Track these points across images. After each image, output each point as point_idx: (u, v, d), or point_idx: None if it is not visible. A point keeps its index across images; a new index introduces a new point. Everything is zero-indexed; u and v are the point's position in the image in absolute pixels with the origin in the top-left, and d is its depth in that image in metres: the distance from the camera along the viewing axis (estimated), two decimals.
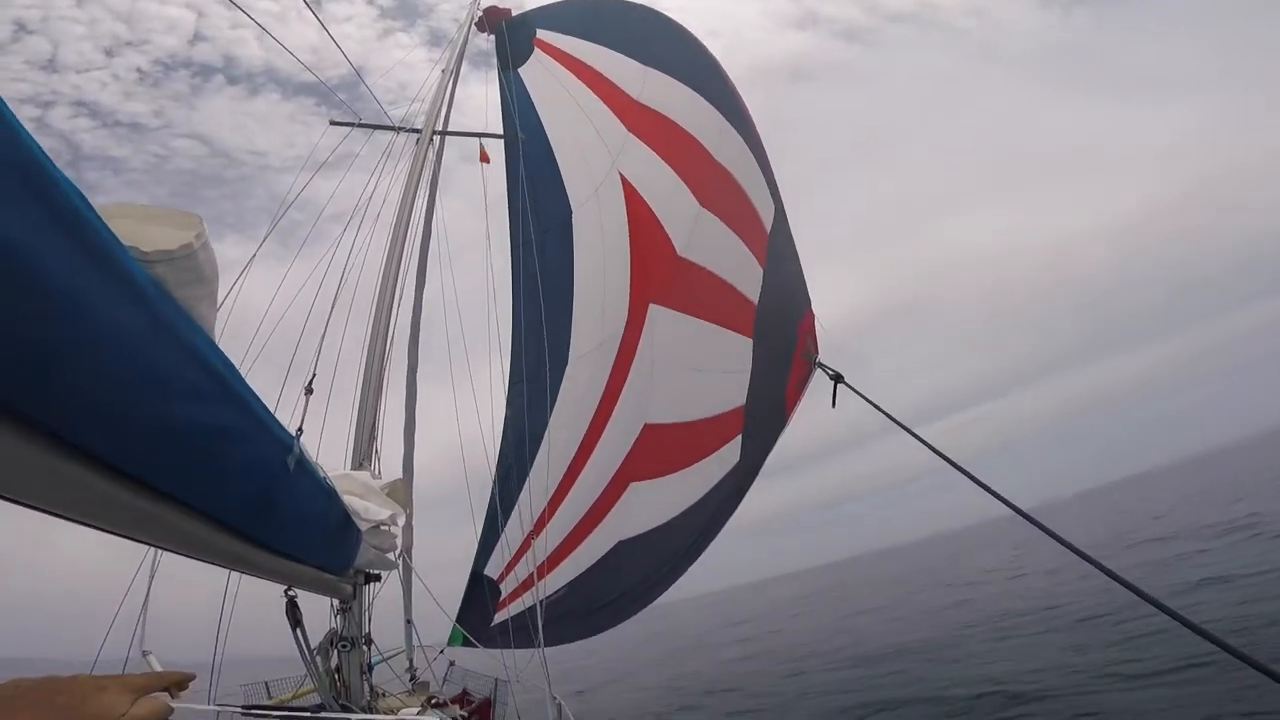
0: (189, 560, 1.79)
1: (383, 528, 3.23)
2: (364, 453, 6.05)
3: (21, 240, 0.82)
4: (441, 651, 8.64)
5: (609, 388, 9.41)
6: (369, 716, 3.87)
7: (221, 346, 1.38)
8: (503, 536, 8.97)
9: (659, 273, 9.37)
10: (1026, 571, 27.02)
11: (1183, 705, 8.33)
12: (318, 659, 4.04)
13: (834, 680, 15.53)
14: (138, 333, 1.08)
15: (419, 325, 9.10)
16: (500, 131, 10.36)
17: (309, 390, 5.43)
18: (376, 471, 6.08)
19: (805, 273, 9.94)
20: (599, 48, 10.23)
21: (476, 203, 10.11)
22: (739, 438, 9.50)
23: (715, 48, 10.46)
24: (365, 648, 4.68)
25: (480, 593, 9.20)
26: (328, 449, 6.29)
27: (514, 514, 8.88)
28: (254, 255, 7.23)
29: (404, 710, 4.83)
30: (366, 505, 3.05)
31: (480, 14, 10.94)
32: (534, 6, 11.36)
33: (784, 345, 9.18)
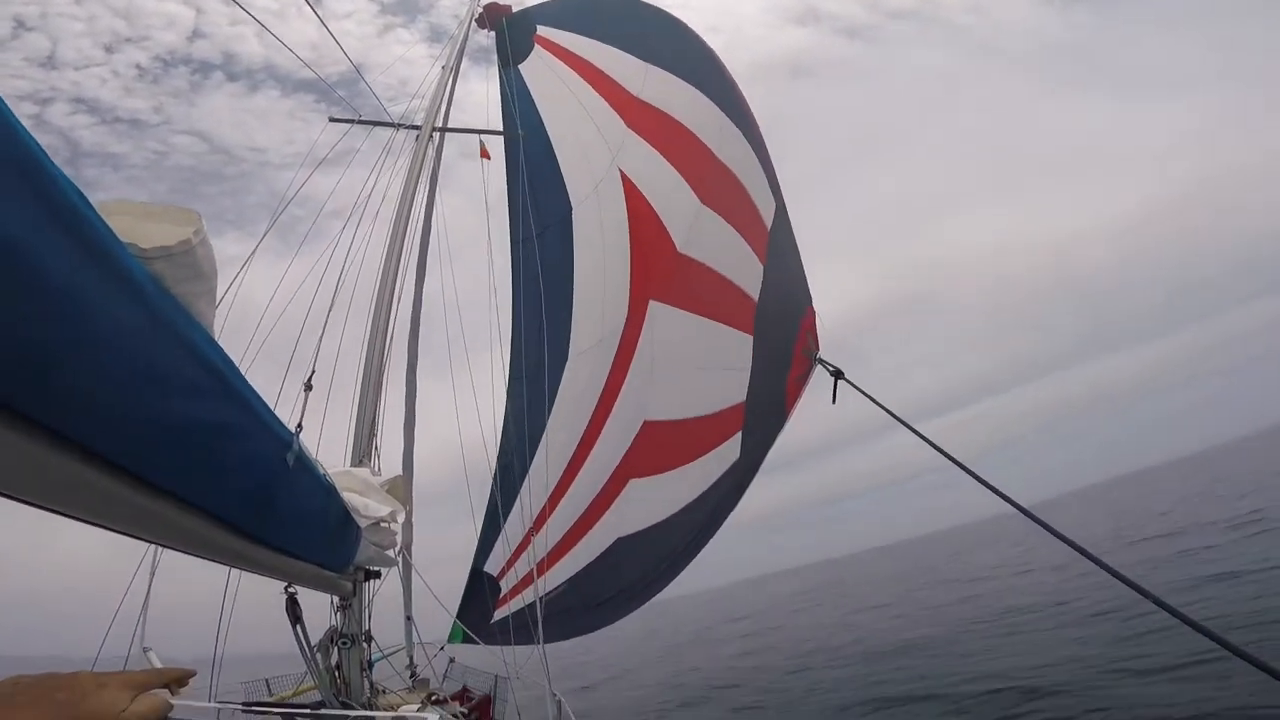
0: (189, 557, 1.79)
1: (382, 524, 3.23)
2: (364, 449, 6.05)
3: (19, 237, 0.82)
4: (441, 648, 8.64)
5: (609, 384, 9.40)
6: (369, 713, 3.88)
7: (221, 343, 1.38)
8: (503, 533, 8.98)
9: (659, 269, 9.37)
10: (1032, 568, 26.93)
11: (1197, 700, 8.31)
12: (318, 656, 4.04)
13: (840, 676, 15.51)
14: (136, 329, 1.08)
15: (419, 322, 9.09)
16: (500, 128, 10.36)
17: (308, 387, 5.43)
18: (376, 468, 6.07)
19: (806, 269, 9.93)
20: (599, 44, 10.21)
21: (476, 199, 10.11)
22: (739, 434, 9.49)
23: (716, 44, 10.44)
24: (365, 645, 4.69)
25: (480, 589, 9.21)
26: (327, 446, 6.29)
27: (514, 511, 8.88)
28: (254, 251, 7.24)
29: (404, 707, 4.83)
30: (366, 502, 3.05)
31: (480, 10, 10.93)
32: (534, 3, 11.34)
33: (784, 342, 9.16)
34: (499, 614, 9.03)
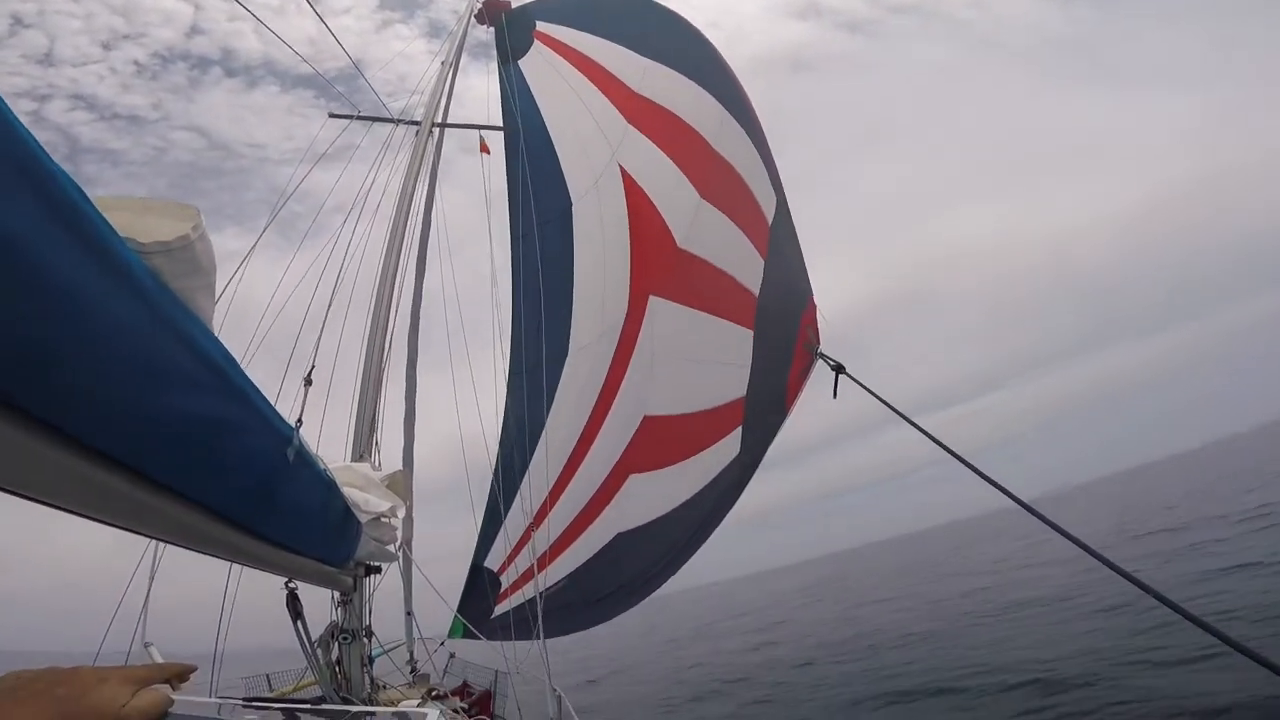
0: (190, 553, 1.80)
1: (383, 520, 3.23)
2: (364, 444, 6.05)
3: (17, 232, 0.82)
4: (442, 643, 8.66)
5: (609, 379, 9.41)
6: (370, 708, 3.88)
7: (220, 338, 1.38)
8: (503, 528, 8.99)
9: (659, 264, 9.36)
10: (1036, 563, 26.84)
11: (1211, 692, 8.33)
12: (318, 651, 4.04)
13: (849, 670, 15.48)
14: (135, 324, 1.08)
15: (419, 316, 9.10)
16: (500, 123, 10.35)
17: (308, 382, 5.44)
18: (377, 463, 6.08)
19: (807, 264, 9.92)
20: (599, 40, 10.19)
21: (476, 194, 10.11)
22: (739, 429, 9.50)
23: (716, 39, 10.42)
24: (366, 640, 4.68)
25: (480, 585, 9.22)
26: (328, 441, 6.30)
27: (514, 506, 8.89)
28: (253, 246, 7.24)
29: (404, 702, 4.84)
30: (366, 497, 3.05)
31: (480, 6, 10.91)
32: None
33: (785, 336, 9.16)
34: (499, 609, 9.05)
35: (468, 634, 8.46)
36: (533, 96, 10.32)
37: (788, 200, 9.78)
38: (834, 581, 56.16)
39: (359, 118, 9.66)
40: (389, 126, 9.54)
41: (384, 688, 5.45)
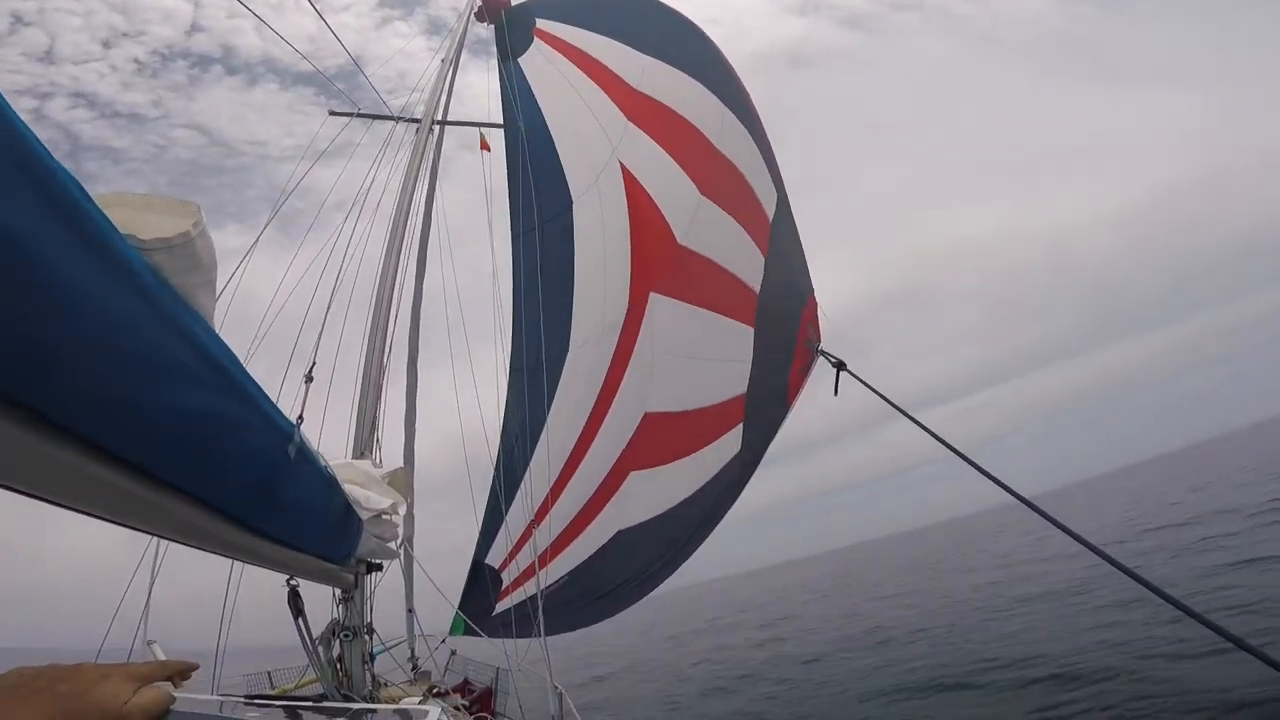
0: (193, 550, 1.80)
1: (384, 517, 3.23)
2: (365, 441, 6.06)
3: (19, 230, 0.82)
4: (443, 641, 8.67)
5: (609, 376, 9.40)
6: (371, 706, 3.88)
7: (221, 335, 1.38)
8: (504, 525, 9.00)
9: (659, 262, 9.35)
10: (1041, 558, 26.73)
11: (1228, 688, 8.32)
12: (320, 649, 4.05)
13: (860, 666, 15.43)
14: (136, 321, 1.08)
15: (419, 314, 9.10)
16: (500, 121, 10.35)
17: (309, 379, 5.44)
18: (378, 460, 6.08)
19: (808, 260, 9.92)
20: (599, 37, 10.18)
21: (477, 191, 10.11)
22: (740, 427, 9.50)
23: (715, 35, 10.41)
24: (367, 637, 4.69)
25: (482, 582, 9.22)
26: (329, 438, 6.31)
27: (515, 503, 8.90)
28: (254, 243, 7.24)
29: (405, 699, 4.84)
30: (367, 494, 3.05)
31: (479, 4, 10.90)
32: None
33: (786, 333, 9.16)
34: (501, 606, 9.05)
35: (469, 631, 8.46)
36: (533, 94, 10.31)
37: (789, 198, 9.78)
38: (837, 578, 56.11)
39: (359, 115, 9.66)
40: (389, 124, 9.54)
41: (385, 685, 5.45)
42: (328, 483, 2.47)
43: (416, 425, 8.72)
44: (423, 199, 9.01)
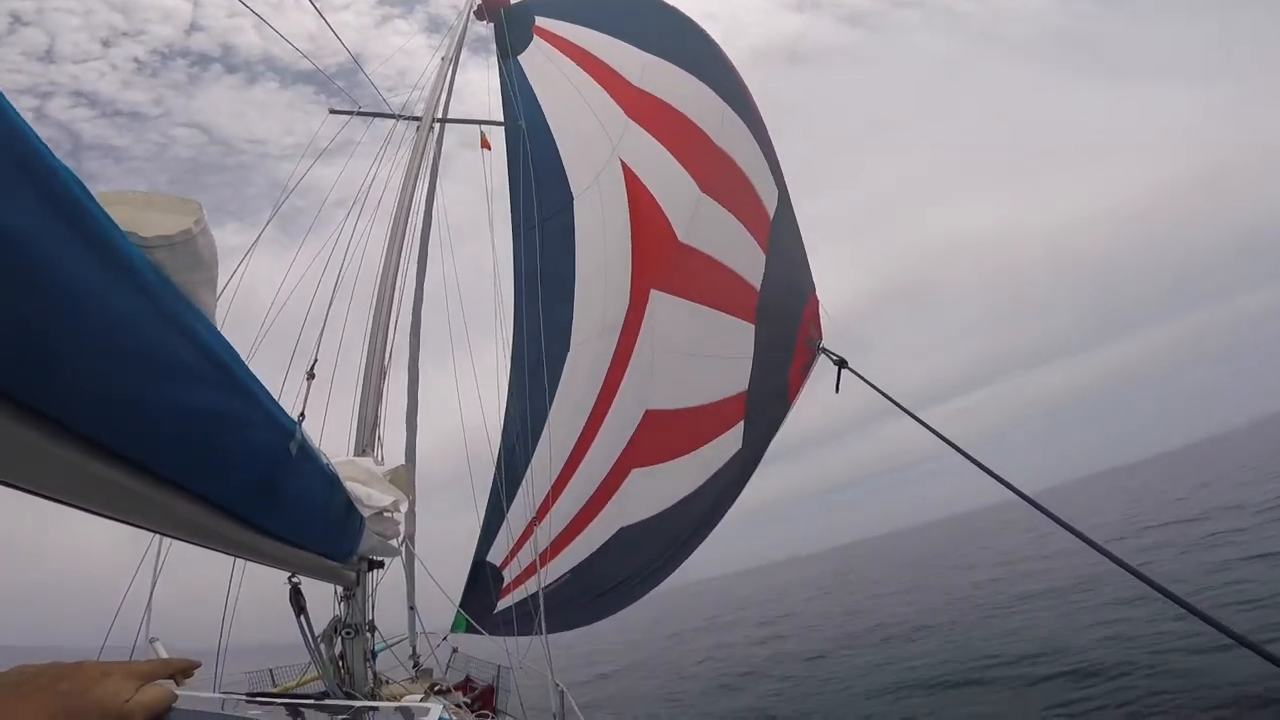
0: (195, 548, 1.80)
1: (386, 514, 3.23)
2: (366, 439, 6.06)
3: (20, 228, 0.82)
4: (445, 638, 8.68)
5: (610, 374, 9.40)
6: (372, 703, 3.89)
7: (223, 333, 1.38)
8: (505, 523, 9.00)
9: (660, 259, 9.35)
10: (1046, 554, 26.55)
11: (1240, 681, 8.32)
12: (322, 646, 4.06)
13: (868, 661, 15.39)
14: (138, 318, 1.08)
15: (420, 312, 9.11)
16: (500, 118, 10.34)
17: (310, 376, 5.44)
18: (379, 458, 6.08)
19: (810, 257, 9.91)
20: (598, 34, 10.18)
21: (477, 188, 10.11)
22: (740, 424, 9.50)
23: (713, 31, 10.40)
24: (369, 635, 4.70)
25: (483, 579, 9.23)
26: (330, 435, 6.31)
27: (516, 501, 8.90)
28: (255, 241, 7.24)
29: (407, 697, 4.84)
30: (369, 491, 3.05)
31: (479, 2, 10.89)
32: None
33: (786, 331, 9.16)
34: (502, 604, 9.05)
35: (470, 629, 8.46)
36: (533, 92, 10.30)
37: (790, 195, 9.77)
38: (838, 575, 56.01)
39: (360, 113, 9.66)
40: (389, 122, 9.53)
41: (387, 683, 5.46)
42: (329, 480, 2.47)
43: (418, 423, 8.72)
44: (423, 197, 9.02)
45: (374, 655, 4.99)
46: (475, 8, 10.84)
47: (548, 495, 8.72)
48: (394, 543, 3.57)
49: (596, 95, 9.86)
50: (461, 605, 8.73)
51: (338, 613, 4.46)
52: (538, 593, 6.67)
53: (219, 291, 1.43)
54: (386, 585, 5.69)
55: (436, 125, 9.23)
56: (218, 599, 4.90)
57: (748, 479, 9.92)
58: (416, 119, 9.06)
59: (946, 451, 4.25)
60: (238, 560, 3.25)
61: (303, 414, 5.26)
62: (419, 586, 8.36)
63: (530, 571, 8.40)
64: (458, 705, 5.94)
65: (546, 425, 8.89)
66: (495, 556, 9.28)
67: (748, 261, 9.32)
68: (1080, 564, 19.38)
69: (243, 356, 1.46)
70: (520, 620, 7.86)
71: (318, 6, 7.12)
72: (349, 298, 6.97)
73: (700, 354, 9.31)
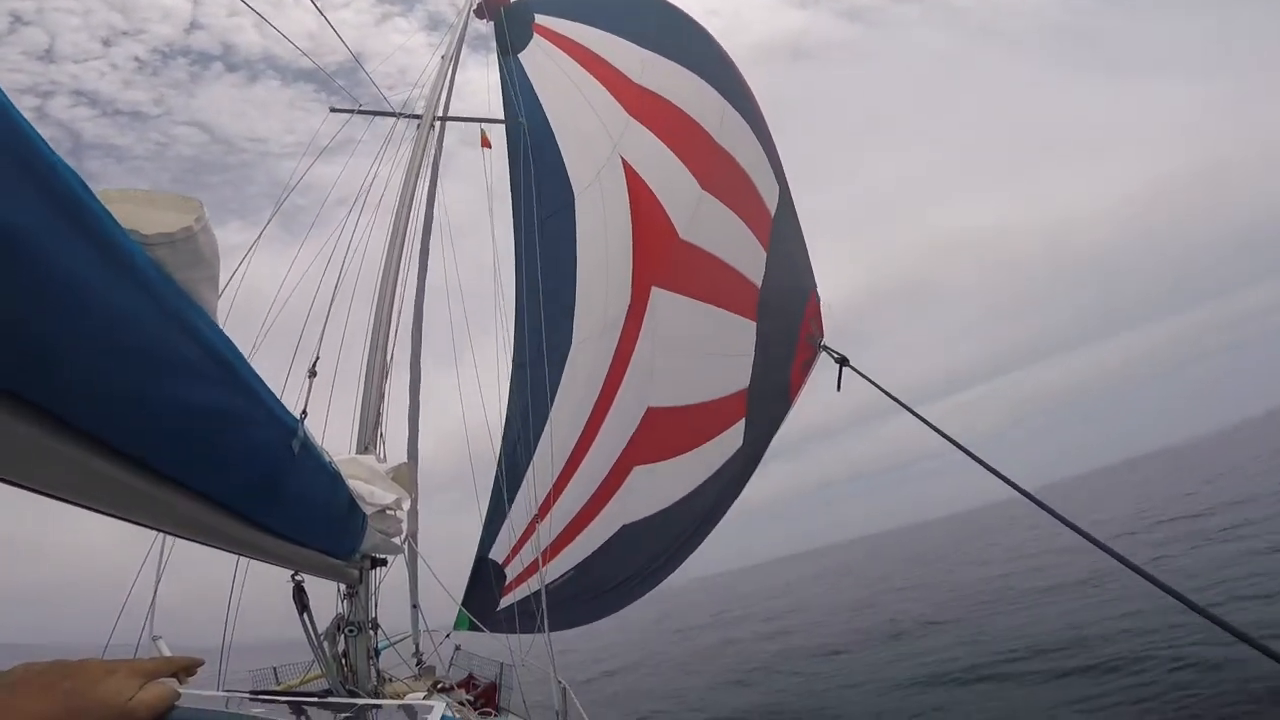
0: (198, 546, 1.80)
1: (388, 512, 3.23)
2: (369, 436, 6.06)
3: (21, 225, 0.82)
4: (447, 636, 8.69)
5: (612, 371, 9.41)
6: (375, 701, 3.89)
7: (225, 330, 1.38)
8: (508, 520, 9.01)
9: (661, 256, 9.35)
10: (1052, 550, 26.15)
11: (1260, 677, 8.23)
12: (325, 644, 4.06)
13: (875, 659, 15.33)
14: (139, 315, 1.08)
15: (422, 310, 9.12)
16: (500, 115, 10.34)
17: (313, 373, 5.44)
18: (382, 455, 6.09)
19: (812, 255, 9.90)
20: (598, 32, 10.17)
21: (478, 186, 10.12)
22: (742, 422, 9.49)
23: (714, 27, 10.40)
24: (372, 632, 4.70)
25: (485, 577, 9.24)
26: (332, 433, 6.31)
27: (518, 498, 8.91)
28: (257, 239, 7.25)
29: (410, 695, 4.86)
30: (372, 489, 3.05)
31: (478, 0, 10.89)
32: None
33: (788, 328, 9.15)
34: (505, 601, 9.06)
35: (473, 627, 8.48)
36: (534, 90, 10.30)
37: (791, 192, 9.76)
38: (842, 572, 55.82)
39: (360, 112, 9.66)
40: (390, 120, 9.53)
41: (390, 680, 5.46)
42: (332, 478, 2.47)
43: (420, 421, 8.74)
44: (424, 195, 9.03)
45: (377, 653, 5.00)
46: (475, 6, 10.83)
47: (550, 492, 8.73)
48: (397, 540, 3.57)
49: (597, 93, 9.85)
50: (464, 603, 8.75)
51: (341, 611, 4.46)
52: (540, 590, 6.68)
53: (221, 289, 1.43)
54: (389, 583, 5.70)
55: (437, 123, 9.23)
56: (221, 597, 4.92)
57: (749, 477, 9.92)
58: (417, 117, 9.06)
59: (946, 449, 4.25)
60: (241, 558, 3.25)
61: (305, 411, 5.26)
62: (421, 584, 8.38)
63: (532, 569, 8.41)
64: (460, 703, 5.95)
65: (548, 422, 8.90)
66: (497, 554, 9.30)
67: (749, 259, 9.31)
68: (1093, 559, 19.23)
69: (245, 354, 1.46)
70: (522, 618, 7.87)
71: (318, 5, 7.11)
72: (350, 296, 6.97)
73: (701, 351, 9.30)
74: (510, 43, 10.57)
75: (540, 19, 10.58)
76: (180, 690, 1.07)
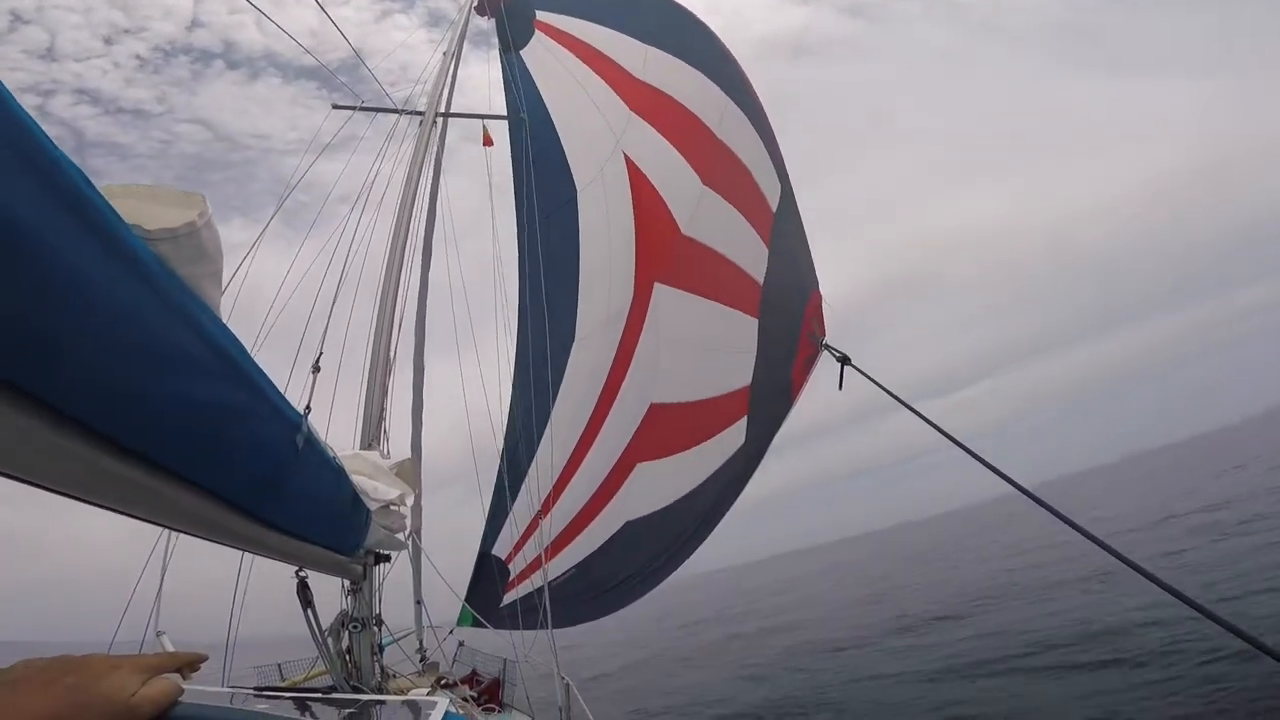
0: (202, 542, 1.80)
1: (392, 507, 3.24)
2: (373, 432, 6.07)
3: (25, 219, 0.82)
4: (451, 632, 8.70)
5: (614, 367, 9.40)
6: (379, 697, 3.90)
7: (229, 326, 1.37)
8: (510, 517, 9.02)
9: (663, 252, 9.34)
10: (1057, 545, 26.49)
11: None
12: (329, 640, 4.06)
13: (885, 653, 15.34)
14: (143, 310, 1.08)
15: (425, 305, 9.12)
16: (502, 111, 10.33)
17: (316, 369, 5.44)
18: (385, 451, 6.10)
19: (814, 252, 9.88)
20: (599, 27, 10.16)
21: (480, 182, 10.12)
22: (744, 420, 9.49)
23: (714, 24, 10.38)
24: (376, 629, 4.71)
25: (489, 572, 9.25)
26: (336, 429, 6.32)
27: (521, 494, 8.91)
28: (261, 235, 7.26)
29: (414, 691, 4.86)
30: (375, 485, 3.06)
31: None
32: None
33: (789, 326, 9.14)
34: (508, 598, 9.07)
35: (477, 623, 8.49)
36: (536, 87, 10.29)
37: (793, 190, 9.74)
38: (847, 568, 55.66)
39: (363, 109, 9.65)
40: (392, 117, 9.53)
41: (394, 676, 5.48)
42: (336, 473, 2.47)
43: (424, 416, 8.75)
44: (427, 191, 9.02)
45: (381, 649, 5.00)
46: (476, 3, 10.81)
47: (552, 488, 8.73)
48: (400, 536, 3.57)
49: (599, 89, 9.84)
50: (467, 599, 8.76)
51: (345, 607, 4.47)
52: (543, 587, 6.69)
53: (224, 285, 1.42)
54: (392, 579, 5.71)
55: (439, 120, 9.22)
56: (225, 593, 4.93)
57: (750, 476, 9.92)
58: (419, 113, 9.06)
59: (946, 445, 4.25)
60: (245, 554, 3.26)
61: (309, 407, 5.26)
62: (425, 580, 8.39)
63: (535, 566, 8.41)
64: (464, 699, 5.96)
65: (551, 418, 8.90)
66: (501, 550, 9.30)
67: (750, 255, 9.31)
68: (1100, 555, 19.09)
69: (249, 350, 1.46)
70: (525, 614, 7.88)
71: (319, 1, 7.09)
72: (354, 292, 6.98)
73: (704, 347, 9.30)
74: (512, 39, 10.56)
75: (541, 15, 10.56)
76: (184, 686, 1.07)
